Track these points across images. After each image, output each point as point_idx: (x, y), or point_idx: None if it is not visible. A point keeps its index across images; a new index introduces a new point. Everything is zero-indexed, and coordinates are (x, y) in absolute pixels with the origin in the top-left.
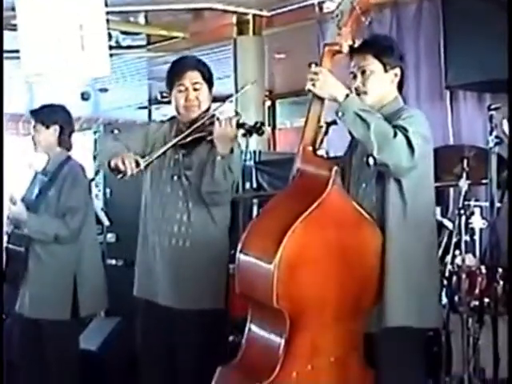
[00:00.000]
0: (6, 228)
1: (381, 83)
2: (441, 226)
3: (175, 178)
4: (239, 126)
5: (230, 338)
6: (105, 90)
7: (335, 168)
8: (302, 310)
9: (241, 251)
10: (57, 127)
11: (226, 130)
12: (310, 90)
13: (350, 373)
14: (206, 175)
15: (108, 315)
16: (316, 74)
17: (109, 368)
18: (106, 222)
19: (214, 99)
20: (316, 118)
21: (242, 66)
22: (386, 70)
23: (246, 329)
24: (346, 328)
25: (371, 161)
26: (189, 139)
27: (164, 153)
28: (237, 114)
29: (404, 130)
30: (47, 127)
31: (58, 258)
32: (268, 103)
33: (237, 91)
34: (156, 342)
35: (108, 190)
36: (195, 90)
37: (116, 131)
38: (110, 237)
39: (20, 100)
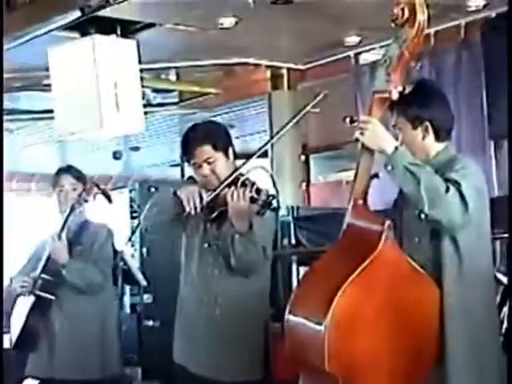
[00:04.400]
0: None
1: (411, 140)
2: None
3: (205, 245)
4: (252, 200)
5: None
6: (136, 149)
7: (388, 222)
8: (356, 373)
9: (290, 312)
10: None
11: (238, 205)
12: (357, 140)
13: None
14: (230, 252)
15: (145, 378)
16: (365, 122)
17: None
18: (143, 282)
19: (250, 155)
20: (366, 170)
21: (277, 121)
22: (414, 127)
23: None
24: None
25: (423, 215)
26: (214, 215)
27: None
28: (247, 185)
29: (457, 184)
30: (84, 184)
31: (87, 311)
32: (302, 158)
33: (272, 146)
34: None
35: (144, 250)
36: (209, 163)
37: (153, 189)
38: (147, 297)
39: (51, 160)
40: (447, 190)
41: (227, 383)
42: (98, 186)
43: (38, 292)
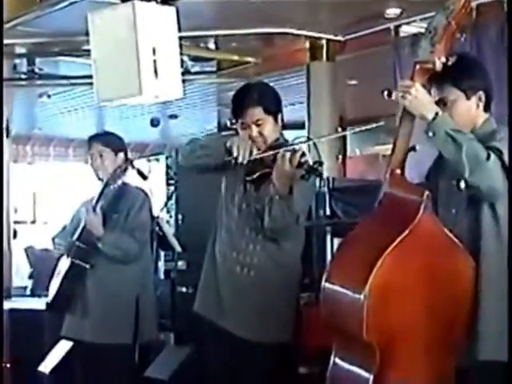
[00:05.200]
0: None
1: (465, 111)
2: None
3: (244, 205)
4: (299, 165)
5: (303, 371)
6: (174, 117)
7: (427, 192)
8: (393, 342)
9: (327, 280)
10: (122, 154)
11: (284, 168)
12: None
13: None
14: (265, 212)
15: (178, 343)
16: (408, 86)
17: None
18: (178, 249)
19: (286, 126)
20: (405, 139)
21: (315, 93)
22: (468, 97)
23: (331, 363)
24: (438, 362)
25: (463, 184)
26: (255, 176)
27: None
28: (298, 150)
29: (498, 152)
30: (116, 154)
31: (122, 278)
32: (339, 130)
33: (309, 118)
34: (215, 364)
35: (180, 216)
36: (258, 125)
37: None
38: (181, 264)
39: (89, 126)
40: (488, 156)
41: (253, 342)
42: (132, 164)
43: (73, 259)
